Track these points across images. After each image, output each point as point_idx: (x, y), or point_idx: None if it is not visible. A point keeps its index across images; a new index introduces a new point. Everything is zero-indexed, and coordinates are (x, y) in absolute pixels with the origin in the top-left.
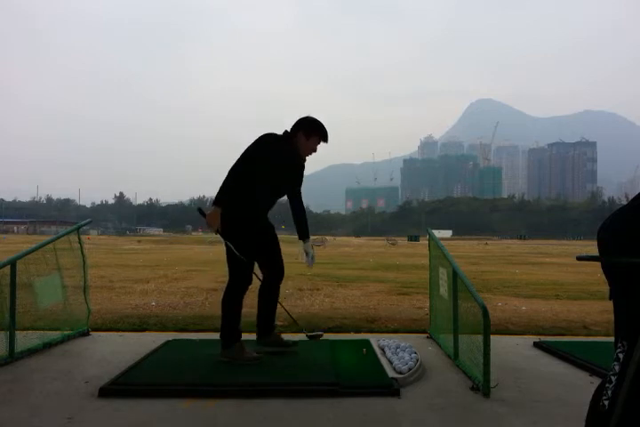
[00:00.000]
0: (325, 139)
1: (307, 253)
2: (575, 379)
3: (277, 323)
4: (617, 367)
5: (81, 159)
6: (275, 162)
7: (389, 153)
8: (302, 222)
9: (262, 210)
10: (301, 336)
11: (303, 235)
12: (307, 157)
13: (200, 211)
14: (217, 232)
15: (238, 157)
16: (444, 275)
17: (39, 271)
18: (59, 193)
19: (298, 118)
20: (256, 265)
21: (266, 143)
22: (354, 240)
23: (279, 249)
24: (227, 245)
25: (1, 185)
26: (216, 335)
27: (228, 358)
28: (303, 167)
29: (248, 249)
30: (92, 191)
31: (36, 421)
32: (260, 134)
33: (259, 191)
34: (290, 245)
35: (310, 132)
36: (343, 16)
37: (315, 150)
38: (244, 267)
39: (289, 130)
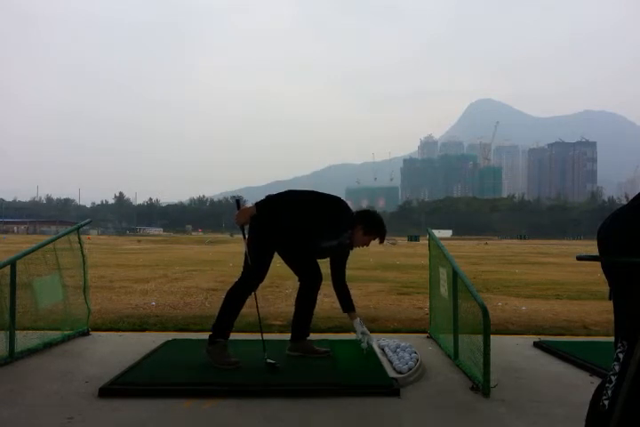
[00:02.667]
0: (382, 240)
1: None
2: (575, 379)
3: (277, 322)
4: (617, 367)
5: (81, 159)
6: (325, 231)
7: (389, 153)
8: (342, 294)
9: (294, 234)
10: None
11: (346, 307)
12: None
13: (237, 202)
14: (241, 227)
15: (308, 193)
16: (443, 275)
17: (39, 271)
18: (59, 193)
19: (364, 210)
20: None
21: (338, 213)
22: None
23: (311, 258)
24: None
25: (1, 185)
26: None
27: (209, 355)
28: (345, 254)
29: (260, 255)
30: (91, 191)
31: (35, 421)
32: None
33: (297, 227)
34: None
35: (370, 230)
36: (343, 16)
37: (367, 245)
38: (259, 265)
39: (355, 212)
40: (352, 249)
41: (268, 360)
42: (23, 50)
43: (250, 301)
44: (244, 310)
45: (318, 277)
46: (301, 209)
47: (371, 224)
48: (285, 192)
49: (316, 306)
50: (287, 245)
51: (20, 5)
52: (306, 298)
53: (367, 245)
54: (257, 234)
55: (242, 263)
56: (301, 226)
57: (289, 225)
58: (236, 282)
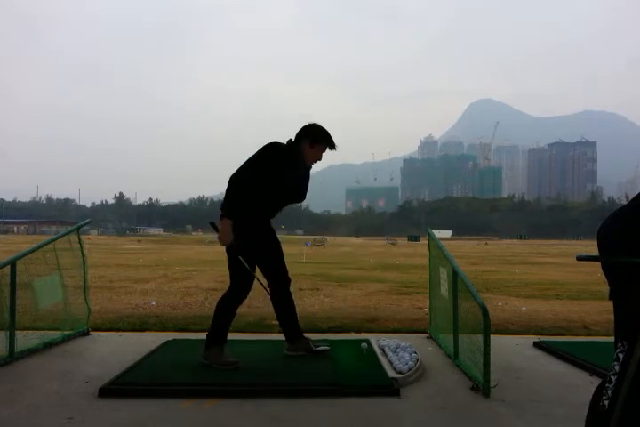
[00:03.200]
0: (332, 147)
1: None
2: (575, 379)
3: (275, 322)
4: (617, 367)
5: (81, 159)
6: (282, 171)
7: (389, 153)
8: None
9: (267, 219)
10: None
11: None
12: (312, 165)
13: (213, 225)
14: (231, 246)
15: (243, 164)
16: (444, 275)
17: (39, 271)
18: (59, 193)
19: (303, 127)
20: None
21: (273, 152)
22: (354, 240)
23: (282, 256)
24: (235, 257)
25: (1, 185)
26: None
27: (207, 361)
28: (309, 176)
29: (253, 260)
30: (91, 191)
31: (36, 421)
32: (258, 139)
33: (264, 200)
34: (290, 246)
35: (314, 140)
36: (343, 16)
37: (320, 158)
38: (249, 278)
39: (293, 139)
40: (309, 168)
41: (321, 347)
42: (23, 49)
43: (247, 301)
44: (244, 309)
45: (288, 279)
46: (254, 183)
47: (313, 135)
48: (228, 186)
49: (316, 306)
50: (265, 243)
51: (20, 5)
52: (284, 301)
53: (320, 158)
54: (244, 241)
55: None
56: (267, 190)
57: (262, 204)
58: (229, 292)
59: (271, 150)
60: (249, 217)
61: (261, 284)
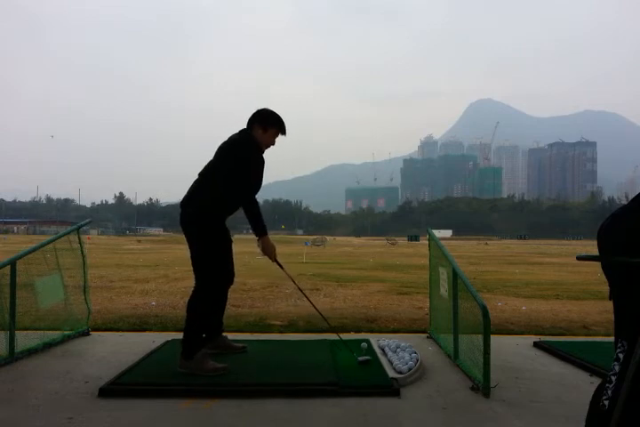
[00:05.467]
0: (283, 131)
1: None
2: (575, 379)
3: (277, 322)
4: (617, 367)
5: (81, 159)
6: (256, 170)
7: (389, 153)
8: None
9: (228, 216)
10: (299, 337)
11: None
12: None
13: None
14: (275, 260)
15: (237, 165)
16: (444, 275)
17: (39, 271)
18: (59, 193)
19: (253, 114)
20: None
21: (256, 149)
22: (354, 240)
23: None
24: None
25: (1, 185)
26: None
27: (188, 370)
28: (264, 163)
29: (220, 254)
30: (92, 191)
31: (36, 421)
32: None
33: (234, 199)
34: (290, 246)
35: (267, 124)
36: (343, 16)
37: (273, 143)
38: (228, 265)
39: (246, 126)
40: (263, 152)
41: (360, 358)
42: (25, 48)
43: (240, 301)
44: (244, 309)
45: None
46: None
47: (265, 119)
48: (247, 210)
49: (317, 306)
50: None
51: (27, 7)
52: (222, 301)
53: (273, 143)
54: (210, 233)
55: (239, 262)
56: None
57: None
58: (204, 289)
59: (255, 148)
60: (216, 215)
61: (292, 279)
